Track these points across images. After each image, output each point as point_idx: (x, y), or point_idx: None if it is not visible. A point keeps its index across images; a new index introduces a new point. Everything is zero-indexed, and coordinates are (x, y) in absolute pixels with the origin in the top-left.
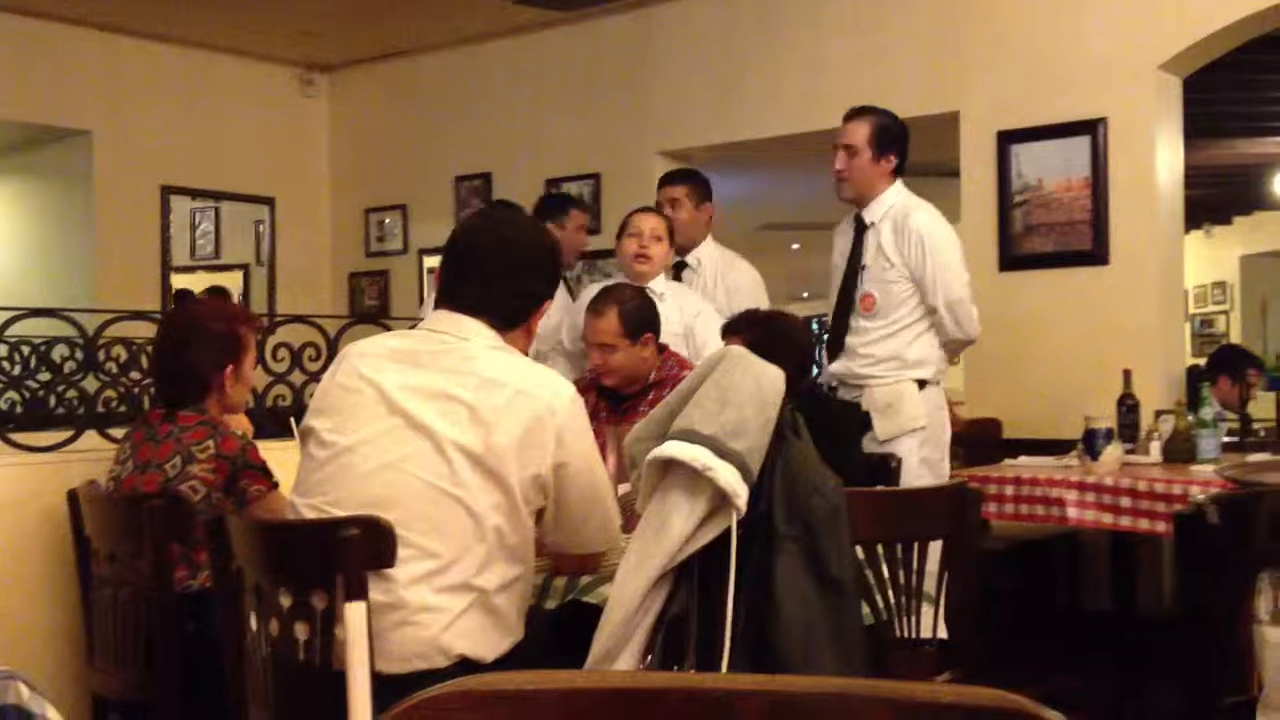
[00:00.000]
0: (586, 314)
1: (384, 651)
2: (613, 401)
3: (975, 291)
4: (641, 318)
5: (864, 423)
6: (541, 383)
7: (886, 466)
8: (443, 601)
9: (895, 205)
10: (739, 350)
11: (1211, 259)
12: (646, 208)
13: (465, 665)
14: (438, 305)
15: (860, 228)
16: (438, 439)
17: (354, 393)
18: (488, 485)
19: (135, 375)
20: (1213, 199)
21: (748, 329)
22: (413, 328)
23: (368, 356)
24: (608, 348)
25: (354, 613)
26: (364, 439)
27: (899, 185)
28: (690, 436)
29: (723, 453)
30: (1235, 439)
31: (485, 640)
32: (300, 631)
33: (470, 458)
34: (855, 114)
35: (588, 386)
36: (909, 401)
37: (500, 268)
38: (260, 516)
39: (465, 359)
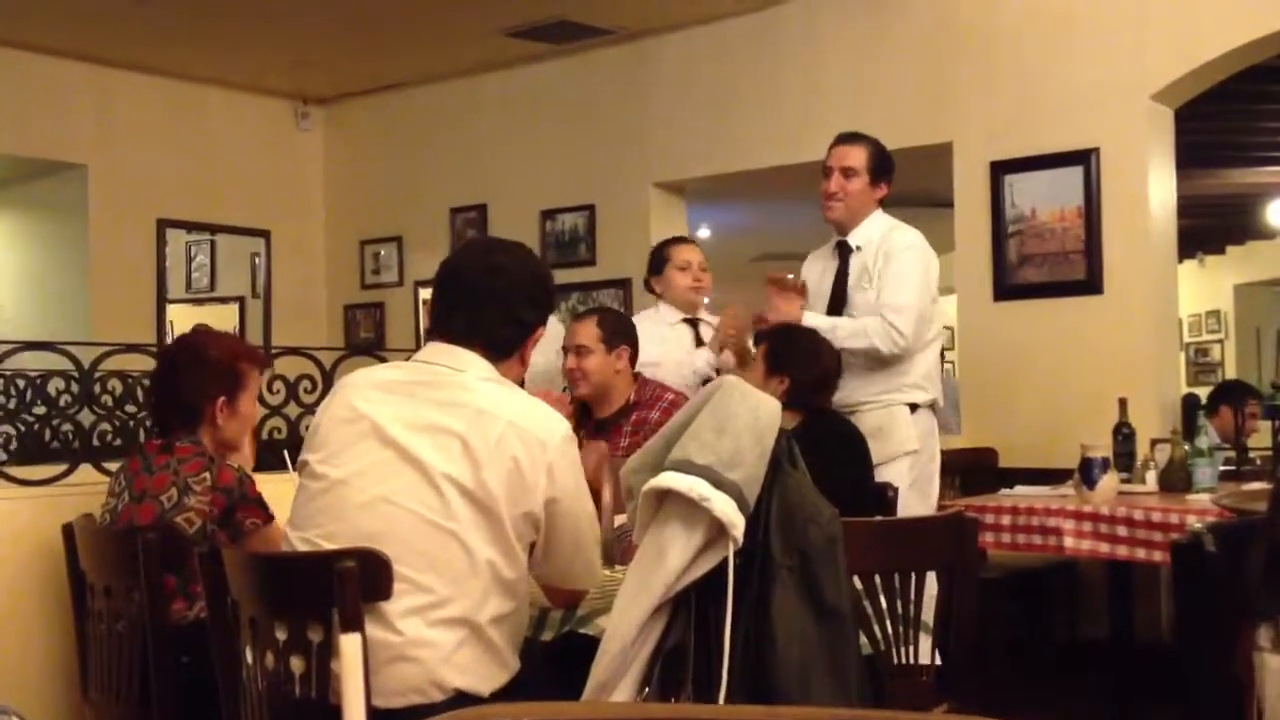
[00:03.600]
0: (570, 324)
1: (380, 687)
2: (591, 424)
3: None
4: (620, 330)
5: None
6: (535, 418)
7: (884, 496)
8: (438, 636)
9: (882, 229)
10: (735, 380)
11: (1206, 288)
12: (682, 239)
13: (462, 699)
14: (430, 336)
15: (844, 253)
16: (429, 472)
17: (348, 425)
18: (480, 520)
19: (131, 408)
20: (1206, 229)
21: (771, 336)
22: (408, 359)
23: (362, 389)
24: (584, 350)
25: (349, 644)
26: (357, 471)
27: (882, 213)
28: (686, 467)
29: (719, 483)
30: (1232, 468)
31: (482, 674)
32: (296, 665)
33: (462, 491)
34: (850, 139)
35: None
36: (900, 424)
37: (490, 295)
38: (256, 549)
39: (460, 391)
